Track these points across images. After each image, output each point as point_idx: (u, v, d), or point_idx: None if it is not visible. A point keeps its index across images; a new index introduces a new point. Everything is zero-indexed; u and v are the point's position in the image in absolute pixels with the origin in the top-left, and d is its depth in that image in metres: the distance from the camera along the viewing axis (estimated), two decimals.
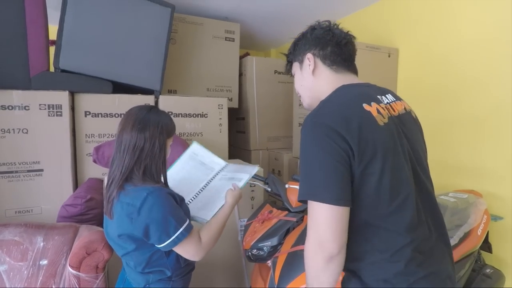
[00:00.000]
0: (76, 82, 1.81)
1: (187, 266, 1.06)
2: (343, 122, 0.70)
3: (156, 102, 2.05)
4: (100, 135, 1.90)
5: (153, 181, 0.96)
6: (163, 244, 0.90)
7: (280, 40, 3.53)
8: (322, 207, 0.66)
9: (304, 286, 0.99)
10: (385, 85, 2.38)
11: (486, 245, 1.54)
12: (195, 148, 1.39)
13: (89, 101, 1.87)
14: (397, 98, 0.90)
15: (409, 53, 2.13)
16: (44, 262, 1.12)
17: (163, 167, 1.02)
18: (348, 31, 0.92)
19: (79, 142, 1.87)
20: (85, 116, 1.87)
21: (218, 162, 1.34)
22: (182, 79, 2.46)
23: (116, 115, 1.93)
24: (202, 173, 1.29)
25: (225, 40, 2.64)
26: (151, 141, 0.94)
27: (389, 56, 2.16)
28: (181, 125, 2.06)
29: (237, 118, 2.97)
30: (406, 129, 0.82)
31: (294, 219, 1.38)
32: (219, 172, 1.30)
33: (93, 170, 1.88)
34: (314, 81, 0.89)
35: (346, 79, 0.87)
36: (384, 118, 0.76)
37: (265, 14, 2.66)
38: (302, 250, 1.07)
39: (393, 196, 0.72)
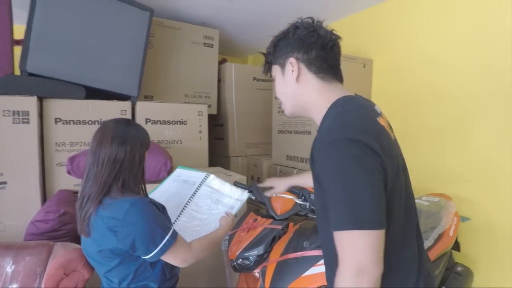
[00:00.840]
0: (45, 87, 1.69)
1: (172, 278, 1.04)
2: (375, 138, 0.65)
3: (133, 109, 1.98)
4: (72, 143, 1.80)
5: (132, 193, 0.94)
6: (151, 254, 0.87)
7: (257, 46, 3.56)
8: (366, 235, 0.61)
9: None
10: (361, 94, 2.48)
11: (455, 244, 1.65)
12: (177, 171, 1.41)
13: (59, 107, 1.76)
14: (380, 110, 0.87)
15: (382, 64, 2.24)
16: (14, 286, 1.02)
17: (142, 178, 1.01)
18: (332, 30, 0.83)
19: (48, 151, 1.75)
20: (55, 123, 1.76)
21: (197, 176, 1.34)
22: (159, 85, 2.40)
23: (90, 122, 1.83)
24: (186, 189, 1.29)
25: (204, 45, 2.62)
26: (131, 154, 0.93)
27: (364, 66, 2.26)
28: (160, 133, 2.00)
29: (215, 125, 2.94)
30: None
31: (280, 227, 1.39)
32: (201, 185, 1.29)
33: (64, 182, 1.76)
34: (299, 89, 0.80)
35: (339, 89, 0.81)
36: (391, 132, 0.76)
37: (243, 21, 2.67)
38: (292, 259, 1.09)
39: (406, 211, 0.73)
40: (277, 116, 2.51)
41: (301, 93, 0.81)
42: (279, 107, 2.45)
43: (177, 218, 1.17)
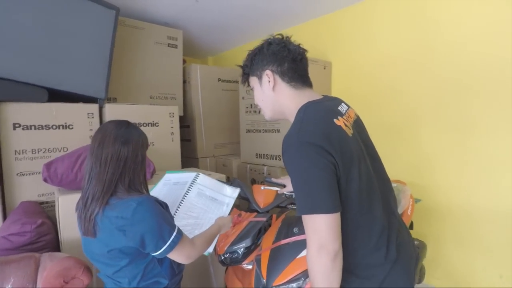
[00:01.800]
0: (2, 89, 1.56)
1: (180, 273, 1.07)
2: (325, 139, 0.77)
3: (101, 111, 1.90)
4: (34, 150, 1.67)
5: (138, 192, 0.96)
6: (160, 250, 0.89)
7: (218, 48, 3.60)
8: (322, 217, 0.75)
9: (293, 275, 1.09)
10: (322, 93, 2.66)
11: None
12: (166, 176, 1.40)
13: (19, 111, 1.63)
14: (348, 106, 1.01)
15: (341, 66, 2.45)
16: None
17: (144, 178, 1.02)
18: (299, 44, 0.96)
19: (6, 160, 1.61)
20: (14, 129, 1.62)
21: (188, 176, 1.35)
22: (123, 86, 2.32)
23: (54, 127, 1.72)
24: (178, 190, 1.29)
25: (168, 46, 2.59)
26: (134, 153, 0.95)
27: (324, 68, 2.45)
28: None
29: (181, 126, 2.91)
30: (361, 133, 0.97)
31: (264, 219, 1.47)
32: (192, 184, 1.30)
33: (26, 193, 1.64)
34: (275, 97, 0.93)
35: (306, 95, 0.93)
36: (350, 129, 0.89)
37: (206, 22, 2.70)
38: (285, 244, 1.18)
39: (369, 194, 0.85)
40: (244, 116, 2.59)
41: (277, 100, 0.94)
42: (247, 107, 2.53)
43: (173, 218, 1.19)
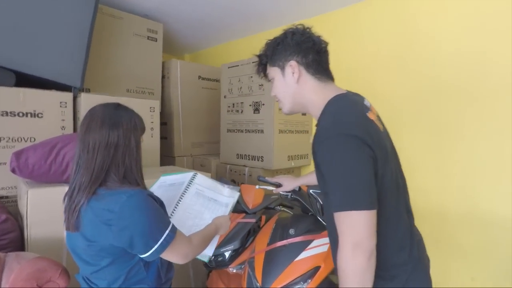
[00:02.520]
0: None
1: (167, 282, 0.97)
2: (364, 132, 0.74)
3: (75, 101, 1.74)
4: None
5: (132, 184, 0.86)
6: (150, 251, 0.80)
7: (196, 45, 3.50)
8: (361, 214, 0.71)
9: (291, 279, 1.05)
10: None
11: None
12: (162, 179, 1.30)
13: None
14: (369, 103, 0.98)
15: None
16: None
17: (141, 168, 0.91)
18: (320, 36, 0.94)
19: None
20: None
21: (184, 176, 1.26)
22: (98, 77, 2.15)
23: (21, 114, 1.54)
24: (174, 191, 1.20)
25: (148, 39, 2.46)
26: (125, 138, 0.84)
27: None
28: None
29: None
30: (385, 129, 0.93)
31: (254, 220, 1.42)
32: (190, 184, 1.21)
33: None
34: (298, 89, 0.90)
35: (332, 88, 0.90)
36: (380, 124, 0.88)
37: (188, 16, 2.61)
38: (281, 247, 1.15)
39: (397, 191, 0.83)
40: (226, 115, 2.53)
41: (300, 92, 0.90)
42: (229, 106, 2.48)
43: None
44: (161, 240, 0.80)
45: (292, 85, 0.90)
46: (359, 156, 0.73)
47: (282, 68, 0.91)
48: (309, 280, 1.04)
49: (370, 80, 2.22)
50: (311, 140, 2.56)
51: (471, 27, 1.75)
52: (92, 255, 0.82)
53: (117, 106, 0.90)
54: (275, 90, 0.95)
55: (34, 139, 1.57)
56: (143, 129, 0.93)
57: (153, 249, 0.79)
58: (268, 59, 0.94)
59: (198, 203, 1.15)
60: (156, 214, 0.83)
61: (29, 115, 1.55)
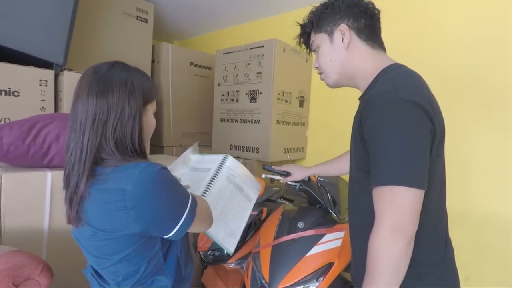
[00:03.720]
0: None
1: (188, 279, 0.84)
2: (428, 102, 0.67)
3: (56, 79, 1.57)
4: None
5: (138, 157, 0.70)
6: (178, 226, 0.67)
7: (188, 32, 3.35)
8: (408, 192, 0.62)
9: (302, 276, 0.96)
10: (303, 87, 2.56)
11: None
12: (185, 154, 1.11)
13: None
14: None
15: None
16: None
17: (141, 142, 0.72)
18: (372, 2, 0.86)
19: None
20: None
21: (213, 159, 1.06)
22: (81, 56, 1.97)
23: None
24: (200, 174, 1.01)
25: (137, 19, 2.29)
26: (117, 108, 0.67)
27: (306, 61, 2.38)
28: None
29: None
30: None
31: (255, 213, 1.33)
32: (221, 166, 1.01)
33: None
34: (348, 56, 0.82)
35: (385, 57, 0.83)
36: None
37: (179, 0, 2.46)
38: (289, 241, 1.06)
39: (442, 178, 0.76)
40: (219, 104, 2.41)
41: (349, 60, 0.82)
42: (223, 95, 2.35)
43: None
44: (187, 208, 0.68)
45: (341, 52, 0.82)
46: (419, 126, 0.64)
47: (331, 34, 0.83)
48: (322, 278, 0.96)
49: None
50: (307, 134, 2.51)
51: (474, 27, 1.72)
52: (101, 246, 0.68)
53: (112, 65, 0.72)
54: (321, 59, 0.86)
55: (9, 120, 1.40)
56: (147, 94, 0.73)
57: (180, 222, 0.67)
58: (314, 25, 0.86)
59: (229, 189, 0.98)
60: (175, 187, 0.70)
61: (3, 93, 1.38)
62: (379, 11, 0.86)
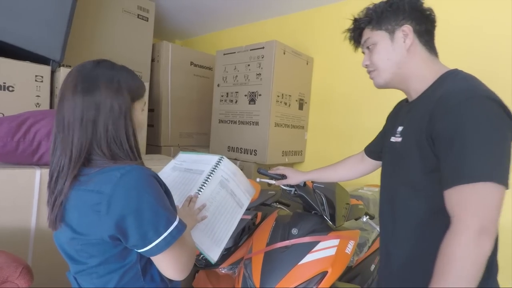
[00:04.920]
0: None
1: (176, 284, 0.77)
2: (503, 103, 0.66)
3: (53, 75, 1.55)
4: None
5: (127, 159, 0.67)
6: (150, 245, 0.61)
7: (189, 32, 3.33)
8: (498, 190, 0.60)
9: (295, 285, 0.93)
10: (303, 89, 2.53)
11: None
12: (180, 156, 1.08)
13: None
14: None
15: (322, 63, 2.38)
16: None
17: (134, 140, 0.70)
18: None
19: None
20: None
21: (208, 159, 1.02)
22: (80, 54, 1.95)
23: None
24: (193, 176, 0.97)
25: (138, 17, 2.27)
26: (105, 106, 0.65)
27: (307, 63, 2.36)
28: None
29: None
30: None
31: (249, 217, 1.30)
32: (214, 169, 0.96)
33: None
34: (407, 58, 0.80)
35: (440, 63, 0.83)
36: None
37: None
38: (282, 248, 1.02)
39: None
40: (218, 104, 2.38)
41: (408, 62, 0.81)
42: (222, 96, 2.33)
43: None
44: (165, 233, 0.62)
45: (401, 53, 0.80)
46: (503, 125, 0.64)
47: (392, 33, 0.81)
48: (315, 287, 0.92)
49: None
50: (306, 137, 2.48)
51: (485, 22, 1.69)
52: (78, 250, 0.65)
53: (97, 63, 0.69)
54: (376, 56, 0.84)
55: (2, 115, 1.38)
56: (135, 92, 0.70)
57: (154, 243, 0.61)
58: (373, 21, 0.84)
59: (221, 194, 0.93)
60: (160, 198, 0.64)
61: None
62: (436, 17, 0.85)
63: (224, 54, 2.32)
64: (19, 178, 1.03)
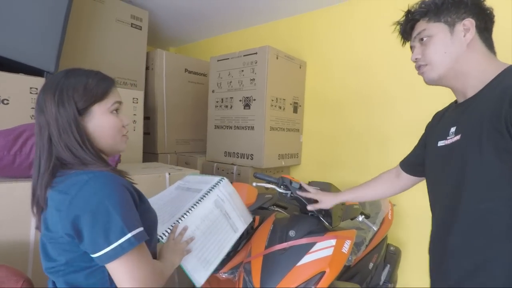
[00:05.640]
0: None
1: None
2: None
3: None
4: None
5: (97, 165, 0.69)
6: (99, 252, 0.62)
7: (183, 39, 3.36)
8: None
9: (294, 285, 0.94)
10: (296, 93, 2.55)
11: None
12: (186, 178, 1.12)
13: None
14: None
15: (315, 67, 2.42)
16: None
17: (91, 146, 0.71)
18: None
19: None
20: None
21: (208, 180, 1.03)
22: (75, 64, 1.95)
23: None
24: (188, 197, 0.99)
25: (131, 26, 2.29)
26: (52, 120, 0.69)
27: (300, 67, 2.39)
28: None
29: None
30: None
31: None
32: (213, 189, 0.98)
33: None
34: (467, 53, 0.78)
35: (498, 60, 0.80)
36: None
37: (177, 7, 2.47)
38: (280, 250, 1.04)
39: None
40: (214, 110, 2.40)
41: (467, 57, 0.78)
42: (217, 101, 2.34)
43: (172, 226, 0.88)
44: (115, 244, 0.62)
45: (461, 47, 0.78)
46: None
47: (452, 25, 0.79)
48: (314, 287, 0.94)
49: (361, 83, 2.16)
50: (301, 139, 2.50)
51: None
52: (49, 248, 0.70)
53: (66, 72, 0.73)
54: (431, 49, 0.80)
55: None
56: (87, 96, 0.71)
57: (102, 251, 0.62)
58: (431, 13, 0.81)
59: (214, 213, 0.95)
60: (121, 206, 0.64)
61: None
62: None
63: (218, 60, 2.34)
64: (17, 191, 1.04)
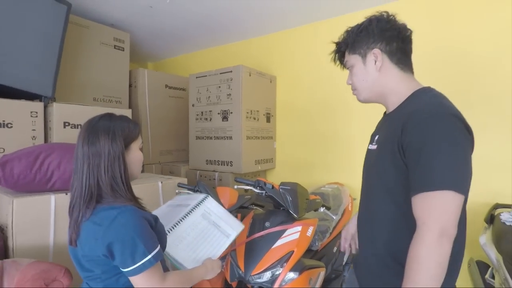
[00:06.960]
0: None
1: None
2: (465, 120, 0.74)
3: (45, 110, 1.74)
4: None
5: (124, 198, 0.87)
6: (127, 268, 0.82)
7: (161, 54, 3.56)
8: (455, 197, 0.67)
9: (269, 264, 1.21)
10: (268, 104, 2.83)
11: None
12: (175, 198, 1.32)
13: None
14: None
15: (285, 80, 2.73)
16: None
17: (125, 178, 0.89)
18: (405, 24, 0.89)
19: None
20: None
21: (195, 197, 1.23)
22: (64, 86, 2.13)
23: None
24: (178, 211, 1.17)
25: (114, 48, 2.49)
26: (104, 152, 0.85)
27: (270, 82, 2.68)
28: None
29: None
30: None
31: None
32: (199, 205, 1.16)
33: None
34: (379, 78, 0.87)
35: (415, 80, 0.89)
36: None
37: (155, 27, 2.68)
38: (259, 237, 1.31)
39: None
40: (194, 123, 2.63)
41: (381, 81, 0.88)
42: (197, 114, 2.58)
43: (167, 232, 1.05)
44: (139, 263, 0.81)
45: (373, 74, 0.88)
46: (465, 139, 0.72)
47: (364, 56, 0.89)
48: (285, 264, 1.21)
49: (325, 93, 2.49)
50: (275, 146, 2.80)
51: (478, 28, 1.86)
52: (86, 263, 0.87)
53: (100, 118, 0.90)
54: (354, 78, 0.93)
55: (3, 150, 1.55)
56: (128, 136, 0.90)
57: (130, 268, 0.81)
58: (349, 46, 0.92)
59: (202, 224, 1.12)
60: (143, 234, 0.83)
61: None
62: (410, 33, 0.90)
63: (196, 77, 2.59)
64: (38, 203, 1.23)
